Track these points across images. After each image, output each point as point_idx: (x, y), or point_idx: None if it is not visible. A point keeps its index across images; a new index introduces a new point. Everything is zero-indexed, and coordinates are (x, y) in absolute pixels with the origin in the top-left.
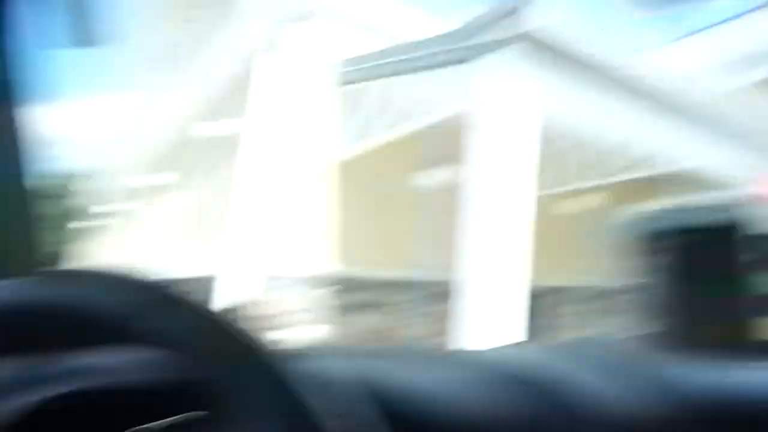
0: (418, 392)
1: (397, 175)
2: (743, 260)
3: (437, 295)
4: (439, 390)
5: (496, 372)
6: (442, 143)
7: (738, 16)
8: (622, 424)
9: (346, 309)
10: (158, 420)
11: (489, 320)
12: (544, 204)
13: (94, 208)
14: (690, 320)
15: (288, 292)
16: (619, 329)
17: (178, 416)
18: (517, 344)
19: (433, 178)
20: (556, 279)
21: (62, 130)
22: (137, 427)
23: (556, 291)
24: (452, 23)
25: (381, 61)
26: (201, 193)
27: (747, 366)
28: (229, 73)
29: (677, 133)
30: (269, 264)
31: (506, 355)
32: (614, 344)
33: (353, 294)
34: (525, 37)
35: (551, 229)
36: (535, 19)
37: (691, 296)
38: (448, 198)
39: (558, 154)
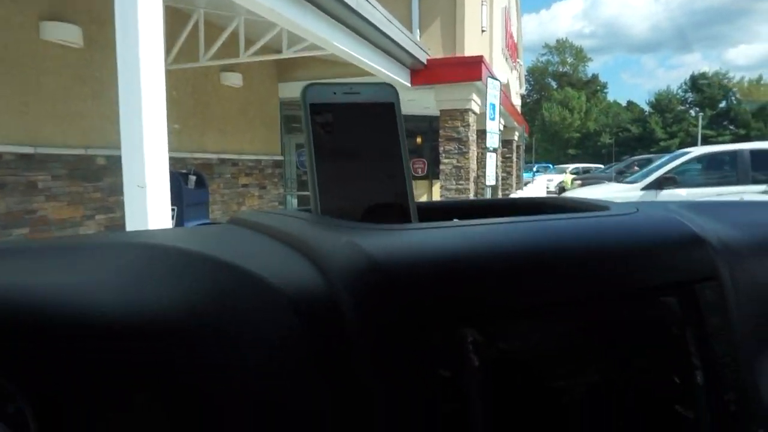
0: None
1: (11, 21)
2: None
3: (84, 173)
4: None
5: (167, 253)
6: None
7: None
8: (315, 294)
9: None
10: None
11: (146, 199)
12: (211, 76)
13: None
14: (345, 193)
15: None
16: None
17: None
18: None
19: (62, 33)
20: (224, 150)
21: None
22: None
23: (225, 162)
24: None
25: None
26: None
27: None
28: None
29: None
30: None
31: (173, 234)
32: (292, 215)
33: None
34: None
35: (216, 101)
36: None
37: (344, 168)
38: (82, 59)
39: (216, 25)
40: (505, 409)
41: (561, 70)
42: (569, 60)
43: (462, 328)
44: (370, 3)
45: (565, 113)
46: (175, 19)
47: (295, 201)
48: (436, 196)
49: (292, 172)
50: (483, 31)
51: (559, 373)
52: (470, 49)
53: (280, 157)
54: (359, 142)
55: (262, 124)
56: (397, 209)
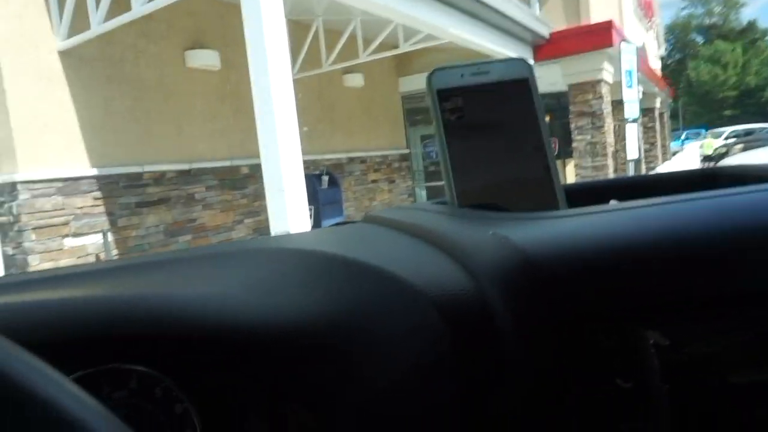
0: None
1: (162, 55)
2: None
3: (232, 182)
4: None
5: (308, 258)
6: (203, 22)
7: None
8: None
9: (128, 208)
10: None
11: (285, 201)
12: (334, 79)
13: None
14: (483, 177)
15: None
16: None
17: None
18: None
19: (203, 59)
20: (352, 148)
21: None
22: None
23: (354, 160)
24: None
25: None
26: None
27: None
28: None
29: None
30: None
31: (312, 237)
32: (434, 209)
33: (134, 191)
34: None
35: (340, 102)
36: None
37: (480, 153)
38: (221, 81)
39: (334, 31)
40: (692, 425)
41: (708, 21)
42: (717, 9)
43: (636, 328)
44: None
45: (717, 70)
46: (297, 31)
47: (423, 193)
48: (570, 176)
49: (419, 164)
50: None
51: (757, 378)
52: (597, 15)
53: (406, 151)
54: (494, 125)
55: (386, 120)
56: (541, 194)
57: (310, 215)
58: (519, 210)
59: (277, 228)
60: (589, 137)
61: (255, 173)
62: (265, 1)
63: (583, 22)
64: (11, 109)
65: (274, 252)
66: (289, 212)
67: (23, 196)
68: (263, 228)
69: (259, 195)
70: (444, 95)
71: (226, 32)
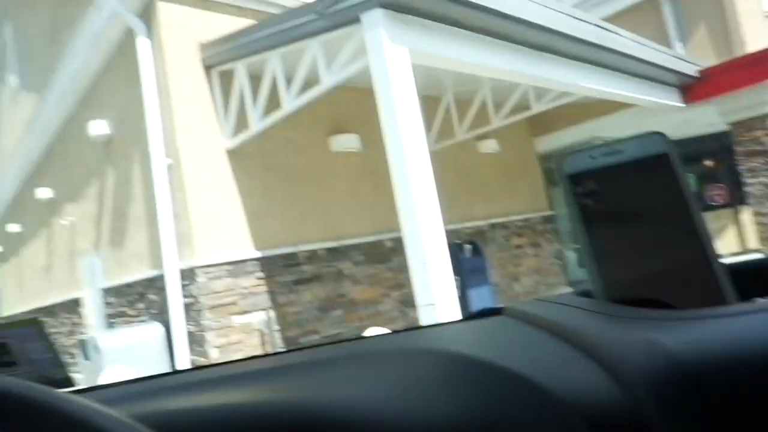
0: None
1: (309, 143)
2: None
3: (377, 257)
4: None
5: (443, 359)
6: (342, 108)
7: None
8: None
9: (286, 286)
10: None
11: (428, 273)
12: (469, 147)
13: None
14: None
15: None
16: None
17: None
18: (466, 317)
19: (345, 142)
20: (492, 215)
21: None
22: None
23: (495, 226)
24: None
25: (250, 38)
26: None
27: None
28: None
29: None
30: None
31: (449, 334)
32: (576, 303)
33: (290, 270)
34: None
35: (477, 170)
36: None
37: (618, 240)
38: (362, 161)
39: (465, 101)
40: None
41: None
42: None
43: None
44: (611, 31)
45: None
46: (429, 105)
47: (573, 255)
48: (750, 228)
49: (565, 225)
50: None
51: None
52: (753, 44)
53: (549, 212)
54: (635, 206)
55: (524, 183)
56: (700, 283)
57: (457, 286)
58: (676, 303)
59: (422, 300)
60: (765, 179)
61: (398, 247)
62: (396, 84)
63: (737, 54)
64: (190, 204)
65: (412, 353)
66: (432, 284)
67: (200, 279)
68: (409, 300)
69: (404, 268)
70: (576, 180)
71: (363, 115)
